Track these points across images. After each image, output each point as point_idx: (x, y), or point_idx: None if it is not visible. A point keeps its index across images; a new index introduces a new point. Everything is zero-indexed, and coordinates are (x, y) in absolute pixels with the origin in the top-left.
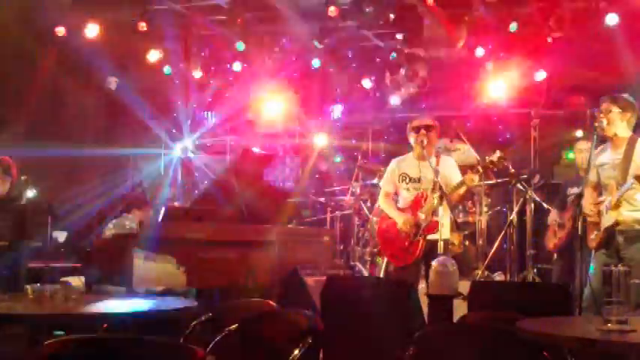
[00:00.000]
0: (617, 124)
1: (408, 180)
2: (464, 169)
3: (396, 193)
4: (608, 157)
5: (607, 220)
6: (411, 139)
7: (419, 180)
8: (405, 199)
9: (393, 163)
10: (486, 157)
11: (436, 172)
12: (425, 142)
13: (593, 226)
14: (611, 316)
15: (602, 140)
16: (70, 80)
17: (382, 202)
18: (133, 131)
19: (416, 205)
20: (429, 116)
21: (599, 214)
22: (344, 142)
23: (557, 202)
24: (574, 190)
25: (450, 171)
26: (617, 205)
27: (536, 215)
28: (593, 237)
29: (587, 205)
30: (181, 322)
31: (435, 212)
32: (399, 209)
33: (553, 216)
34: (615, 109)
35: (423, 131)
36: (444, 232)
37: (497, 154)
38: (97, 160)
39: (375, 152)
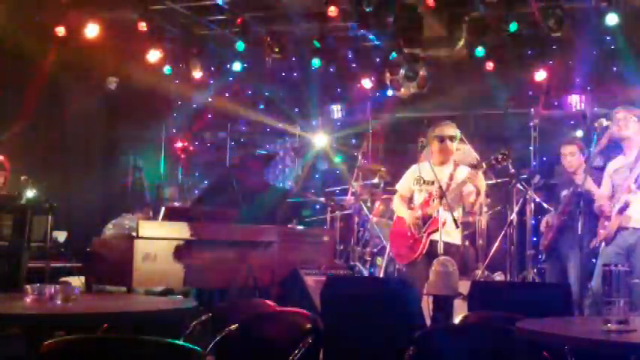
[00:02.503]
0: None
1: (422, 182)
2: None
3: (411, 199)
4: (620, 162)
5: None
6: (434, 146)
7: (432, 183)
8: (417, 200)
9: (412, 168)
10: (492, 155)
11: (450, 177)
12: (448, 151)
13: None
14: (611, 316)
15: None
16: (70, 80)
17: (395, 203)
18: (132, 131)
19: (425, 204)
20: (449, 125)
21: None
22: (344, 142)
23: (553, 204)
24: (564, 192)
25: (463, 178)
26: None
27: (536, 215)
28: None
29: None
30: (181, 322)
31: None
32: (410, 208)
33: (544, 221)
34: (635, 118)
35: (448, 142)
36: (454, 237)
37: (502, 151)
38: (97, 160)
39: (375, 152)
